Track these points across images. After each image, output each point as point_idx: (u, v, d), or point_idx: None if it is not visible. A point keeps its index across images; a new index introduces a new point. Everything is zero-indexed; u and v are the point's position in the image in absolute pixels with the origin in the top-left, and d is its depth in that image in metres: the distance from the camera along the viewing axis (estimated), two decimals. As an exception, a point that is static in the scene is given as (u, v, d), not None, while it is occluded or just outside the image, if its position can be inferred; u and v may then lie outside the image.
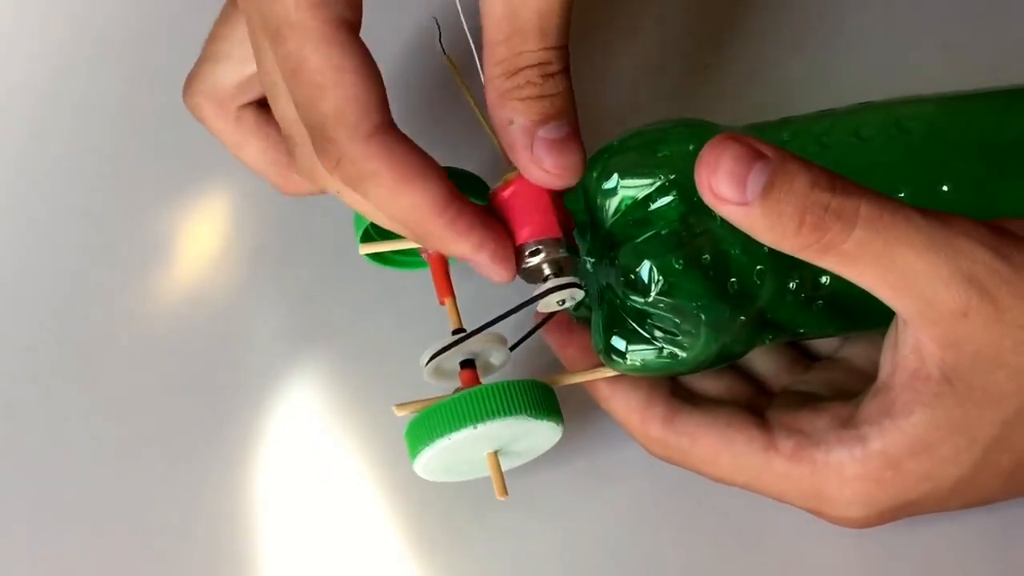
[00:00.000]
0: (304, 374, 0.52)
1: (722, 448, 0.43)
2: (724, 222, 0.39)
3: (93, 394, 0.52)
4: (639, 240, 0.43)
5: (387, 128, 0.39)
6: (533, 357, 0.49)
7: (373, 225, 0.47)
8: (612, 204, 0.43)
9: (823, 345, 0.48)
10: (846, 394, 0.43)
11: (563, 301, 0.42)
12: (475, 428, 0.42)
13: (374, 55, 0.39)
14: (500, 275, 0.41)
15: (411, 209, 0.40)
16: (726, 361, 0.44)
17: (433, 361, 0.44)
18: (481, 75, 0.41)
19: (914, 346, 0.40)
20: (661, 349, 0.43)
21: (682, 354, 0.43)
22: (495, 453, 0.44)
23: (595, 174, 0.44)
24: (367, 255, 0.48)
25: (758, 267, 0.43)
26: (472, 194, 0.43)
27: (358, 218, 0.47)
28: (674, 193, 0.43)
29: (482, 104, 0.42)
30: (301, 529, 0.49)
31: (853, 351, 0.47)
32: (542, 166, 0.40)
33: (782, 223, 0.37)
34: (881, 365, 0.41)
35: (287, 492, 0.50)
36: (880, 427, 0.41)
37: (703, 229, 0.43)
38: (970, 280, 0.38)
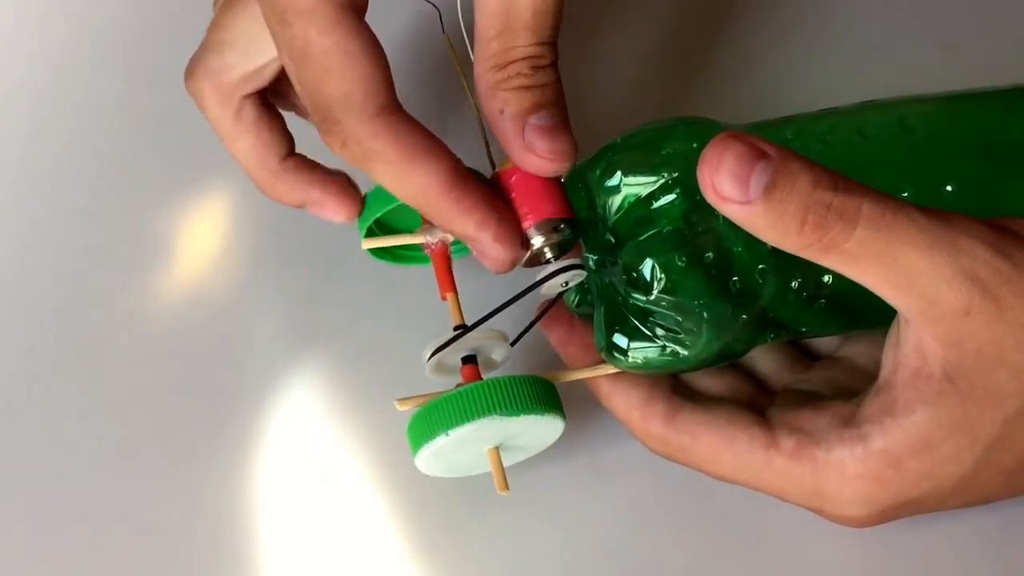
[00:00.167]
0: (304, 374, 0.52)
1: (723, 446, 0.43)
2: (727, 220, 0.39)
3: (93, 394, 0.52)
4: (642, 238, 0.43)
5: (392, 109, 0.40)
6: (534, 354, 0.49)
7: (376, 221, 0.47)
8: (615, 202, 0.43)
9: (824, 344, 0.48)
10: (847, 393, 0.43)
11: (566, 283, 0.43)
12: (477, 423, 0.42)
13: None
14: (505, 254, 0.42)
15: (417, 187, 0.40)
16: (728, 359, 0.44)
17: (435, 357, 0.44)
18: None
19: (916, 345, 0.40)
20: (663, 347, 0.43)
21: (684, 352, 0.43)
22: (496, 448, 0.44)
23: (598, 171, 0.44)
24: (370, 250, 0.48)
25: (760, 266, 0.43)
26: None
27: (361, 214, 0.47)
28: (677, 191, 0.43)
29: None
30: (301, 529, 0.49)
31: (854, 350, 0.47)
32: (534, 151, 0.41)
33: (784, 222, 0.37)
34: (883, 364, 0.41)
35: (287, 492, 0.50)
36: (881, 426, 0.41)
37: (706, 227, 0.43)
38: (972, 279, 0.38)
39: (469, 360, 0.45)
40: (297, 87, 0.41)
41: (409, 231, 0.47)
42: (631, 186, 0.43)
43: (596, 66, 0.58)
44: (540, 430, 0.44)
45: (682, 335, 0.43)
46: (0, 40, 0.61)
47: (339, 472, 0.50)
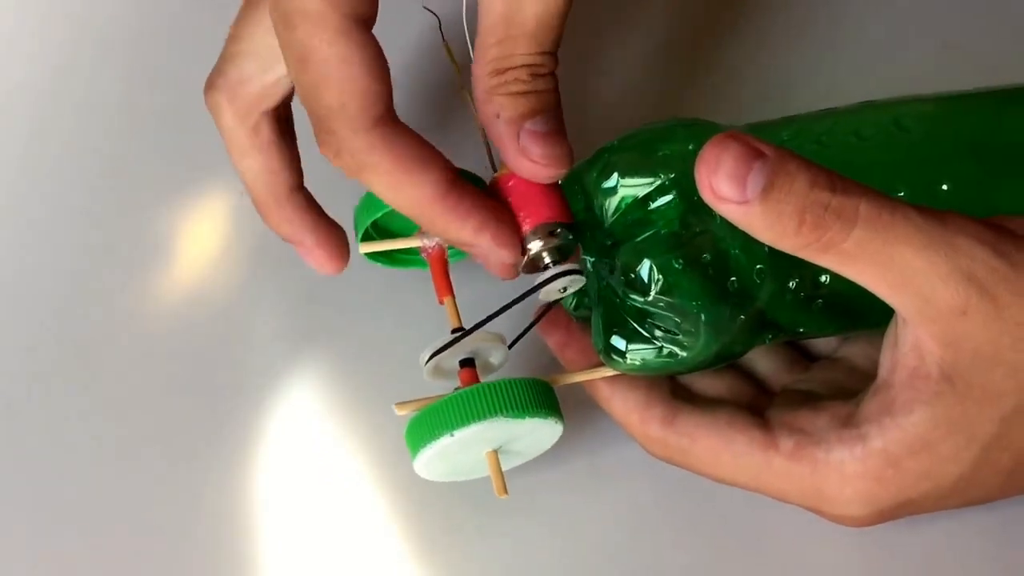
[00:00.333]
0: (304, 374, 0.52)
1: (722, 448, 0.43)
2: (724, 221, 0.38)
3: (93, 394, 0.52)
4: (639, 239, 0.43)
5: (387, 120, 0.40)
6: (532, 357, 0.49)
7: (373, 224, 0.47)
8: (612, 203, 0.43)
9: (822, 345, 0.48)
10: (846, 393, 0.43)
11: (565, 288, 0.43)
12: (482, 424, 0.42)
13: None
14: (505, 258, 0.42)
15: (412, 198, 0.40)
16: (726, 361, 0.44)
17: (433, 360, 0.44)
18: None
19: (913, 344, 0.40)
20: (661, 348, 0.43)
21: (682, 353, 0.43)
22: (495, 452, 0.44)
23: (595, 173, 0.44)
24: (367, 254, 0.48)
25: (758, 266, 0.43)
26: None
27: (358, 217, 0.47)
28: (674, 192, 0.43)
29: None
30: (301, 529, 0.49)
31: (852, 350, 0.47)
32: (529, 156, 0.41)
33: (782, 222, 0.37)
34: (881, 364, 0.41)
35: (287, 492, 0.50)
36: (880, 425, 0.41)
37: (703, 228, 0.43)
38: (969, 278, 0.38)
39: (467, 363, 0.45)
40: (298, 91, 0.41)
41: (406, 234, 0.47)
42: (628, 187, 0.43)
43: (599, 66, 0.58)
44: (540, 433, 0.44)
45: (680, 336, 0.43)
46: (0, 40, 0.61)
47: (339, 472, 0.50)
